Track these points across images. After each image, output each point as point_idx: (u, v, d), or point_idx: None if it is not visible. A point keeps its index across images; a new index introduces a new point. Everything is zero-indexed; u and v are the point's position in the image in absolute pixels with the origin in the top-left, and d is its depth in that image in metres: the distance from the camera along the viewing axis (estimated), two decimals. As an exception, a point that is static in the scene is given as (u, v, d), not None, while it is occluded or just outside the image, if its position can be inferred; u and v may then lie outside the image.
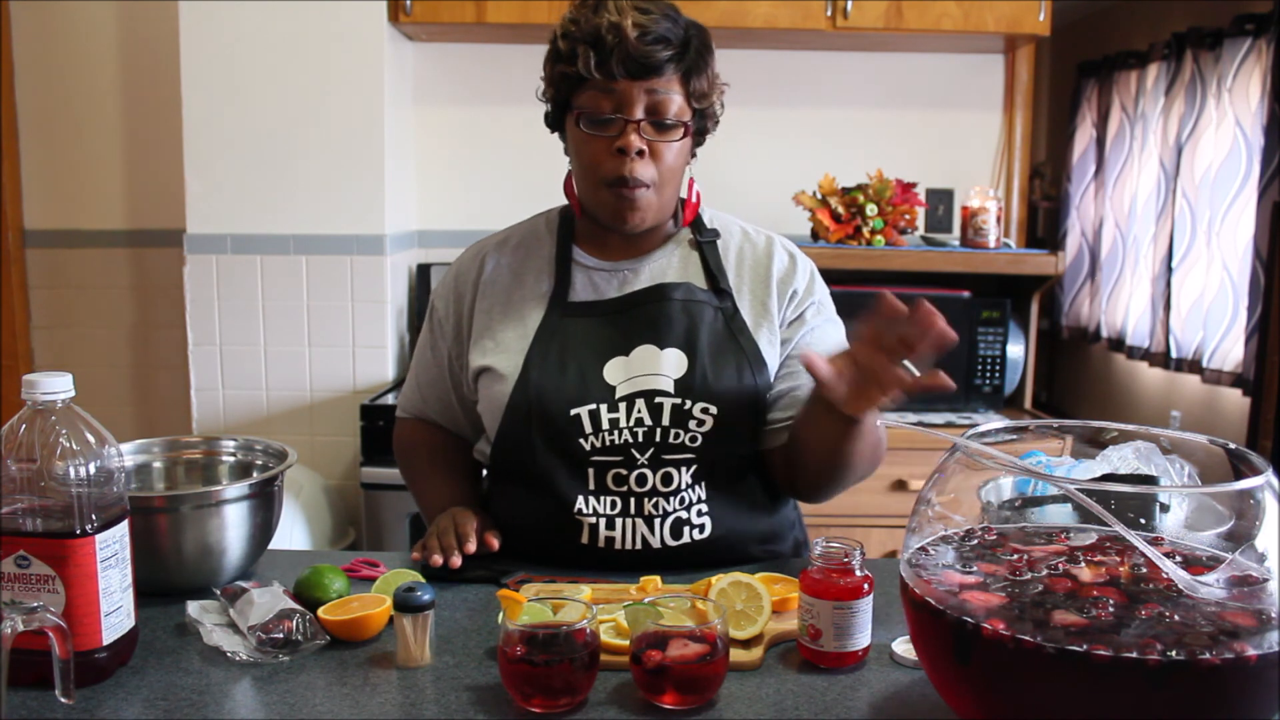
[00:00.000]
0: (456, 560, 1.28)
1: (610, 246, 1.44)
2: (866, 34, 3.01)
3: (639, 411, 1.34)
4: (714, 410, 1.34)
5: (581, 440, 1.34)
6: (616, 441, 1.34)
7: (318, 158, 2.93)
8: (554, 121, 1.42)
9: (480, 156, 3.30)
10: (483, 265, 1.47)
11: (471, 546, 1.30)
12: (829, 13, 2.93)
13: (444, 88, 3.27)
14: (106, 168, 3.32)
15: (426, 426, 1.55)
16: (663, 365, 1.35)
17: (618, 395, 1.34)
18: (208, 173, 2.94)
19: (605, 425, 1.34)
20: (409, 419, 1.58)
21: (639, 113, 1.31)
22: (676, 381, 1.35)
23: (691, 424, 1.34)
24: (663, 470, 1.34)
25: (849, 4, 2.91)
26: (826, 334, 1.45)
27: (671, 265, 1.43)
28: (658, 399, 1.34)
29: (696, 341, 1.36)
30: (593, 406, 1.34)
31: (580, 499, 1.35)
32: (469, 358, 1.44)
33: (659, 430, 1.34)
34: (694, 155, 1.44)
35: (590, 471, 1.35)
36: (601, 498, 1.35)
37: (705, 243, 1.45)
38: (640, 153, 1.31)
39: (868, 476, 1.40)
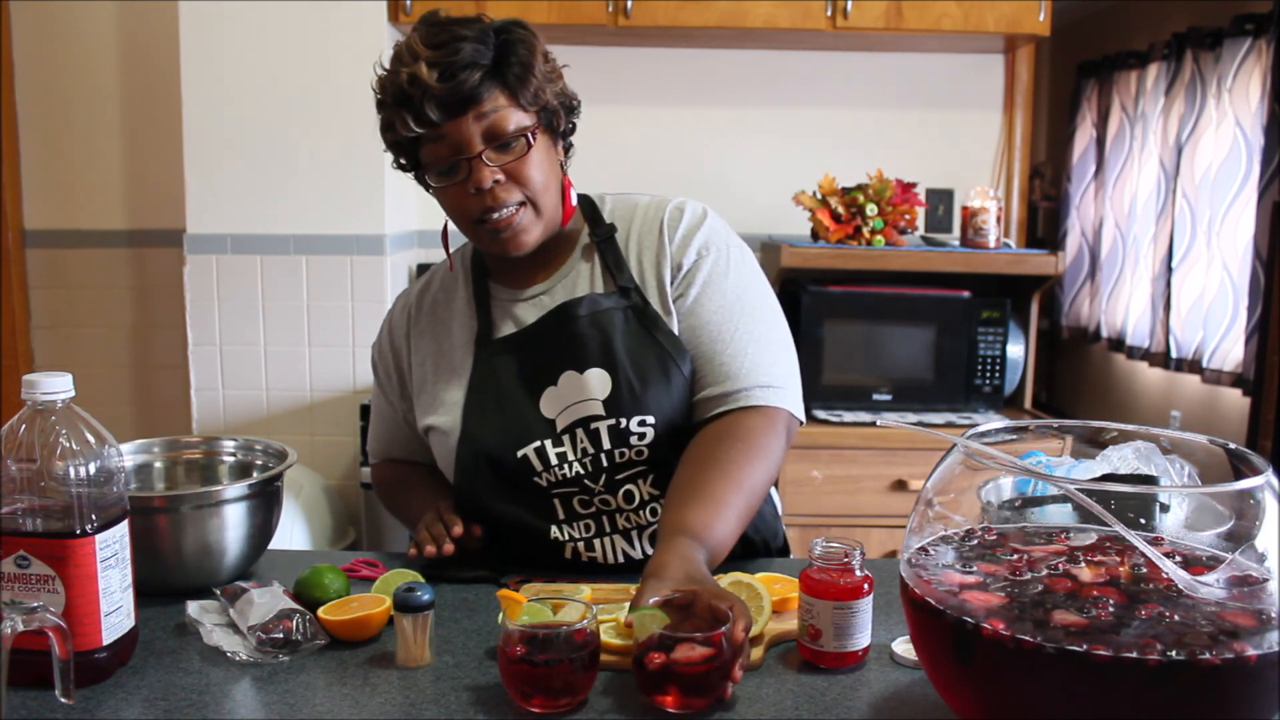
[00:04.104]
0: (449, 546, 1.28)
1: (521, 272, 1.39)
2: (866, 34, 3.01)
3: (581, 442, 1.32)
4: (650, 420, 1.31)
5: (536, 479, 1.33)
6: (568, 475, 1.32)
7: (318, 158, 2.93)
8: (421, 180, 1.35)
9: (480, 156, 3.30)
10: (409, 317, 1.46)
11: (458, 530, 1.29)
12: (829, 13, 2.93)
13: (444, 88, 3.26)
14: (106, 168, 3.32)
15: (400, 463, 1.55)
16: (588, 389, 1.32)
17: (559, 428, 1.32)
18: (208, 173, 2.94)
19: (554, 461, 1.32)
20: (382, 463, 1.58)
21: (478, 145, 1.25)
22: (605, 402, 1.31)
23: (633, 439, 1.32)
24: (622, 490, 1.33)
25: (849, 4, 2.91)
26: (708, 300, 1.35)
27: (581, 276, 1.38)
28: (593, 424, 1.31)
29: (613, 355, 1.32)
30: (537, 444, 1.32)
31: (553, 528, 1.34)
32: (415, 414, 1.44)
33: (603, 455, 1.32)
34: (570, 148, 1.38)
35: (555, 503, 1.34)
36: (574, 523, 1.34)
37: (603, 241, 1.38)
38: (497, 181, 1.26)
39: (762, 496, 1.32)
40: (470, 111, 1.23)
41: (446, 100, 1.22)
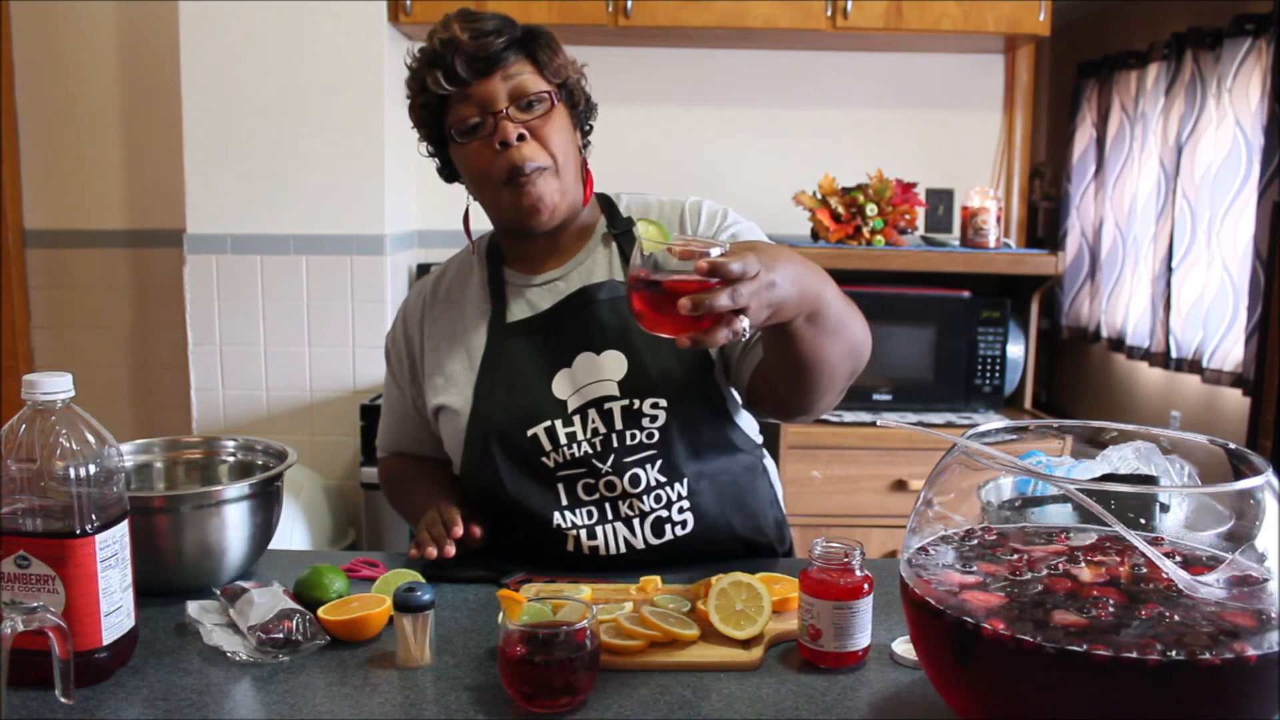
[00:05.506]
0: (450, 549, 1.29)
1: (536, 258, 1.43)
2: (866, 34, 3.01)
3: (593, 421, 1.34)
4: (663, 403, 1.34)
5: (544, 459, 1.35)
6: (577, 455, 1.34)
7: (318, 158, 2.94)
8: (447, 172, 1.42)
9: (480, 156, 3.30)
10: (424, 305, 1.49)
11: (458, 531, 1.30)
12: (829, 13, 2.93)
13: (444, 88, 3.27)
14: (106, 168, 3.32)
15: (406, 457, 1.57)
16: (604, 370, 1.35)
17: (570, 409, 1.34)
18: (208, 173, 2.94)
19: (563, 440, 1.34)
20: (389, 456, 1.60)
21: (503, 103, 1.31)
22: (620, 383, 1.34)
23: (645, 421, 1.34)
24: (629, 473, 1.34)
25: (849, 4, 2.91)
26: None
27: (598, 264, 1.42)
28: (607, 405, 1.34)
29: (630, 337, 1.35)
30: (548, 424, 1.34)
31: (556, 515, 1.35)
32: (426, 398, 1.45)
33: (614, 435, 1.34)
34: (587, 142, 1.44)
35: (560, 487, 1.35)
36: (577, 510, 1.35)
37: (620, 234, 1.42)
38: (521, 137, 1.31)
39: (852, 371, 1.28)
40: (498, 72, 1.31)
41: (477, 57, 1.29)
